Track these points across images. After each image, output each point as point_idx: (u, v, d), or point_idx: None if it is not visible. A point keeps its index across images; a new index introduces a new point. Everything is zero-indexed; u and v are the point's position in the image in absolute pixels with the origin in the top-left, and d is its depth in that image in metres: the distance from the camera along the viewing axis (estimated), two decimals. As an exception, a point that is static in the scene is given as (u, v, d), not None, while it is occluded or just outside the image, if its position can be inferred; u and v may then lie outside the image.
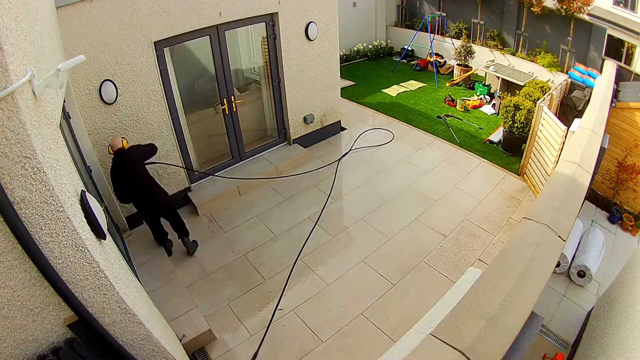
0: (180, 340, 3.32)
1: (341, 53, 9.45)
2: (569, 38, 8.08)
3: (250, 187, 5.53)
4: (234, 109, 5.41)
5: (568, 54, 8.24)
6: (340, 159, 6.22)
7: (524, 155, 5.90)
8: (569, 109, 6.29)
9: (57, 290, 1.67)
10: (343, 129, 7.08)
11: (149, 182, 4.07)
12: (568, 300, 4.31)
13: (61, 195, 1.59)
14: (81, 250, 1.70)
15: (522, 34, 8.96)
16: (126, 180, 3.91)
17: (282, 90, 5.86)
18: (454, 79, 9.40)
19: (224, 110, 5.32)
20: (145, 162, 4.11)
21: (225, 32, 4.91)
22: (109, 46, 3.90)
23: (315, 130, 6.54)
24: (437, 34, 10.32)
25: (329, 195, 5.39)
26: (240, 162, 5.82)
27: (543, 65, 8.33)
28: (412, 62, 10.46)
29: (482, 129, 7.22)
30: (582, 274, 4.41)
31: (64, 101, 2.95)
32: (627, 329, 2.57)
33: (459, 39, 9.78)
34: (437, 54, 10.19)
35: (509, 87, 8.11)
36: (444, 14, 10.36)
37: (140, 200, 4.08)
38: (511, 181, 5.77)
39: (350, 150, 6.48)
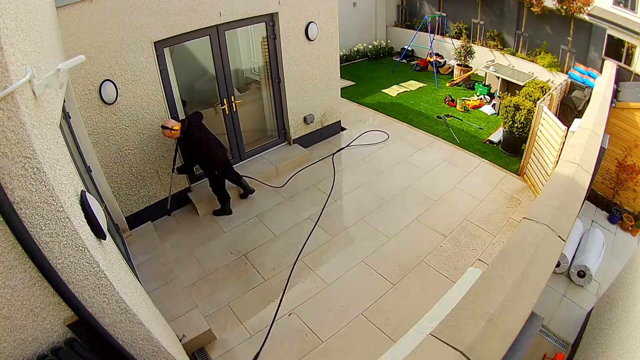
0: (180, 340, 3.32)
1: (341, 53, 9.44)
2: (569, 38, 8.08)
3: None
4: (234, 109, 5.41)
5: (568, 54, 8.24)
6: (334, 154, 6.34)
7: (524, 155, 5.90)
8: (569, 109, 6.29)
9: (57, 290, 1.67)
10: (343, 129, 7.08)
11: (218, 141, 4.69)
12: (568, 300, 4.30)
13: (61, 195, 1.59)
14: (81, 250, 1.71)
15: (522, 34, 8.96)
16: (209, 146, 4.45)
17: (282, 90, 5.86)
18: (454, 79, 9.40)
19: (224, 110, 5.32)
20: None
21: (225, 32, 4.91)
22: (109, 46, 3.90)
23: (315, 131, 6.54)
24: (437, 34, 10.32)
25: (329, 196, 5.39)
26: (241, 162, 5.83)
27: (543, 66, 8.33)
28: (412, 62, 10.46)
29: (482, 129, 7.22)
30: (582, 274, 4.40)
31: (64, 101, 2.95)
32: (627, 329, 2.57)
33: (459, 39, 9.77)
34: (437, 54, 10.19)
35: (509, 87, 8.11)
36: (444, 14, 10.36)
37: (224, 160, 4.75)
38: (511, 181, 5.77)
39: (347, 145, 6.52)
